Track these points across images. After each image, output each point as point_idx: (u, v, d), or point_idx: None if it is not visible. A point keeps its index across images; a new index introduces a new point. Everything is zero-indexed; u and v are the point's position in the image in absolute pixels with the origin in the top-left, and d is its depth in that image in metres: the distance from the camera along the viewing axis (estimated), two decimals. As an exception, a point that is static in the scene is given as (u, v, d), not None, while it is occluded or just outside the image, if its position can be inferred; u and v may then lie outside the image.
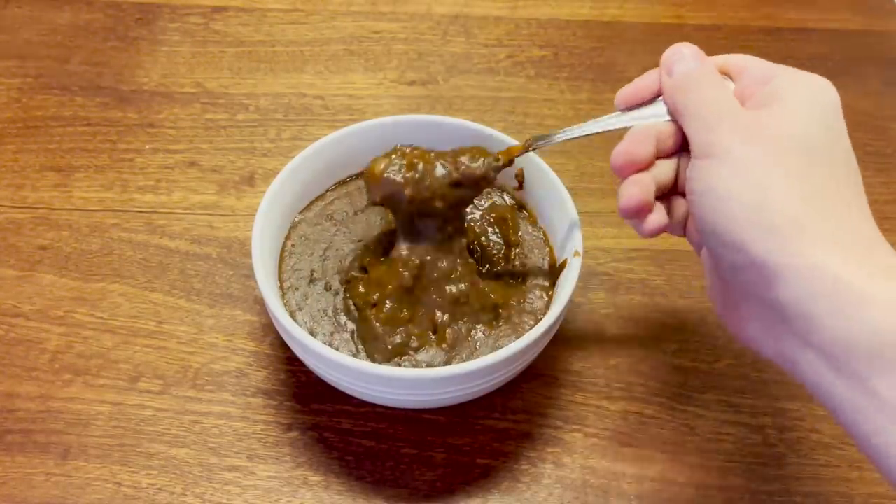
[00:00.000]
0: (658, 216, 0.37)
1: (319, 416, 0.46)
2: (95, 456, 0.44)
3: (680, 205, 0.38)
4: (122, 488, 0.43)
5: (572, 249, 0.45)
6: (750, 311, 0.34)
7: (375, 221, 0.50)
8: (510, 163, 0.44)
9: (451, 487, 0.44)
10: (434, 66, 0.66)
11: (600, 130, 0.40)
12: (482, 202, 0.51)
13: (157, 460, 0.44)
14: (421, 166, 0.43)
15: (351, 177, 0.52)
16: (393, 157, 0.44)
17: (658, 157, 0.38)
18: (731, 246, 0.32)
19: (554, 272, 0.48)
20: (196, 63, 0.65)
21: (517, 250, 0.49)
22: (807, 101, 0.33)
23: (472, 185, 0.44)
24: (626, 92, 0.39)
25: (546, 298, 0.47)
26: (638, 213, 0.37)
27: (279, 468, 0.44)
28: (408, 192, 0.43)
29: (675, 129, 0.37)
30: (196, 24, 0.68)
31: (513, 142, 0.49)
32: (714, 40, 0.69)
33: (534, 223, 0.50)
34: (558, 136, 0.42)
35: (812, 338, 0.30)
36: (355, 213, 0.51)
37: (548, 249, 0.49)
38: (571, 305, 0.49)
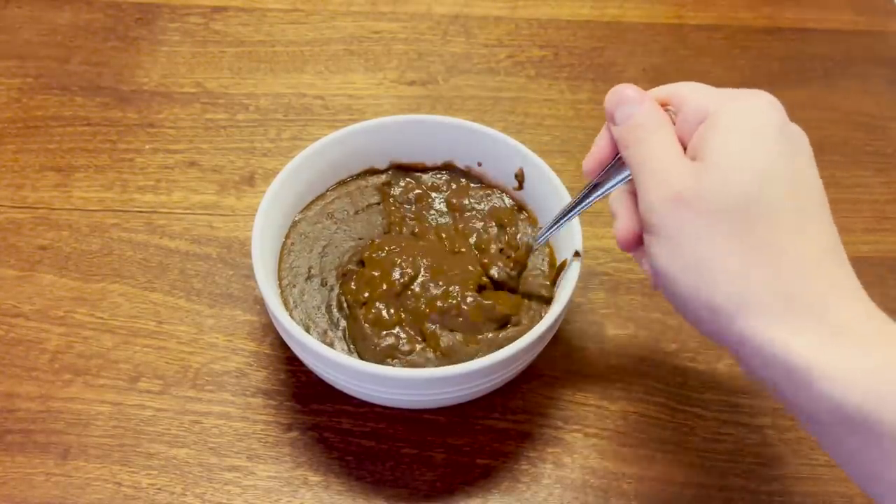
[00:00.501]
0: None
1: (319, 416, 0.46)
2: (95, 456, 0.44)
3: None
4: (122, 488, 0.43)
5: (572, 249, 0.45)
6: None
7: (376, 221, 0.50)
8: (525, 266, 0.47)
9: (451, 487, 0.44)
10: (434, 66, 0.66)
11: (584, 210, 0.41)
12: (482, 205, 0.51)
13: (157, 460, 0.44)
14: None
15: (351, 177, 0.52)
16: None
17: None
18: (692, 322, 0.33)
19: (554, 272, 0.48)
20: (196, 63, 0.65)
21: (517, 252, 0.49)
22: (738, 144, 0.31)
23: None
24: (590, 161, 0.38)
25: (546, 298, 0.47)
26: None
27: (279, 468, 0.44)
28: None
29: None
30: (196, 24, 0.68)
31: (513, 142, 0.49)
32: (714, 40, 0.69)
33: (534, 223, 0.50)
34: (550, 230, 0.44)
35: (784, 401, 0.31)
36: (356, 213, 0.51)
37: (548, 249, 0.49)
38: (571, 305, 0.49)
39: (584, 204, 0.41)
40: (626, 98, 0.35)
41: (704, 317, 0.31)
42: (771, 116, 0.31)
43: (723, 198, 0.30)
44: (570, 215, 0.43)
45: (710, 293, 0.30)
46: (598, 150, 0.38)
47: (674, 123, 0.34)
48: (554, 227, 0.44)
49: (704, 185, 0.31)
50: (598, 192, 0.39)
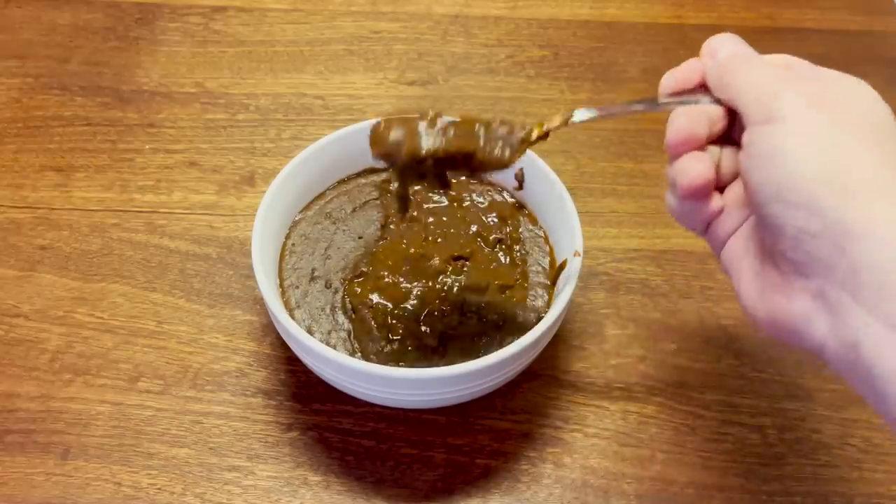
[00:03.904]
0: (718, 200, 0.35)
1: (319, 416, 0.46)
2: (95, 456, 0.44)
3: (716, 201, 0.36)
4: (122, 488, 0.43)
5: (572, 249, 0.45)
6: (804, 285, 0.32)
7: (373, 217, 0.50)
8: (546, 137, 0.40)
9: (451, 487, 0.44)
10: (434, 66, 0.66)
11: (645, 110, 0.38)
12: (482, 199, 0.51)
13: (157, 460, 0.44)
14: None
15: (350, 176, 0.52)
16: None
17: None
18: (805, 207, 0.30)
19: (554, 272, 0.48)
20: (196, 63, 0.65)
21: (518, 247, 0.49)
22: (858, 89, 0.33)
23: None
24: (674, 76, 0.37)
25: (546, 298, 0.47)
26: (703, 193, 0.35)
27: (279, 468, 0.44)
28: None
29: (721, 115, 0.36)
30: (196, 24, 0.68)
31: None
32: (714, 40, 0.69)
33: (534, 222, 0.50)
34: (603, 111, 0.39)
35: (884, 307, 0.29)
36: (353, 211, 0.51)
37: (548, 249, 0.49)
38: (571, 305, 0.49)
39: (642, 107, 0.38)
40: (730, 40, 0.36)
41: (830, 199, 0.30)
42: (872, 88, 0.34)
43: (857, 110, 0.32)
44: (627, 111, 0.39)
45: (846, 176, 0.30)
46: (684, 72, 0.37)
47: None
48: (599, 115, 0.39)
49: (838, 94, 0.32)
50: (666, 104, 0.37)
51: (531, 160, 0.48)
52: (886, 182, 0.30)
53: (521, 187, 0.50)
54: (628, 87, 0.65)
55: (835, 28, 0.71)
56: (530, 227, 0.50)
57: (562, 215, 0.47)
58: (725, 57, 0.36)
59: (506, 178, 0.51)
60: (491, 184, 0.52)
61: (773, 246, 0.33)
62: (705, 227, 0.37)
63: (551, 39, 0.69)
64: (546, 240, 0.49)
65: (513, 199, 0.51)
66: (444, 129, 0.40)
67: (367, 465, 0.44)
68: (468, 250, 0.48)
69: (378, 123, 0.40)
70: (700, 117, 0.35)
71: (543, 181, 0.48)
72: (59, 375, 0.47)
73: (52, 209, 0.55)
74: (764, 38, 0.70)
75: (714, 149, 0.36)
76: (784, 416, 0.47)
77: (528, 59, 0.67)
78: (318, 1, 0.71)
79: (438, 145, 0.39)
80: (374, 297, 0.46)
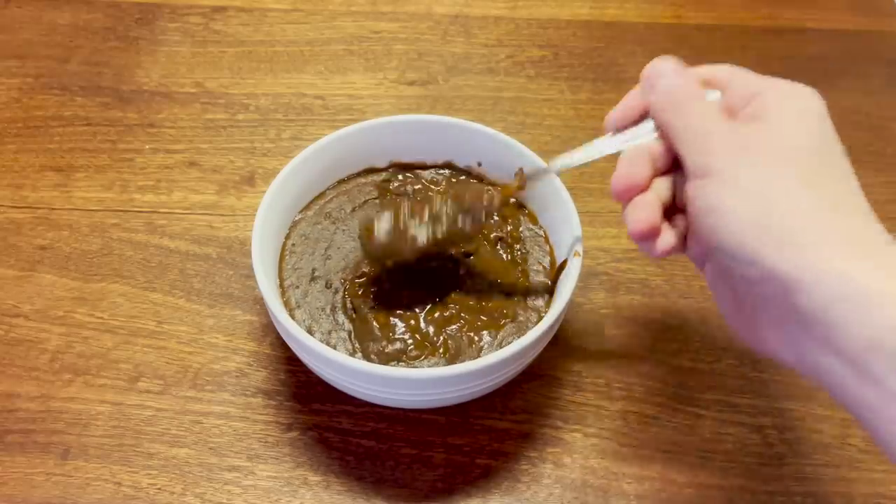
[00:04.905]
0: (668, 237, 0.37)
1: (319, 416, 0.46)
2: (95, 456, 0.44)
3: (680, 221, 0.38)
4: (122, 488, 0.43)
5: (572, 249, 0.45)
6: (767, 320, 0.34)
7: (373, 216, 0.50)
8: (507, 202, 0.46)
9: (451, 487, 0.44)
10: (434, 66, 0.67)
11: (595, 158, 0.40)
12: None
13: (157, 460, 0.44)
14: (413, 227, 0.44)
15: (350, 176, 0.52)
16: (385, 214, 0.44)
17: (655, 176, 0.37)
18: (743, 260, 0.32)
19: (554, 271, 0.48)
20: (196, 63, 0.65)
21: (518, 246, 0.49)
22: (794, 113, 0.33)
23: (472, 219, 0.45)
24: (615, 114, 0.39)
25: (546, 298, 0.47)
26: (649, 237, 0.36)
27: (279, 468, 0.44)
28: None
29: (667, 147, 0.37)
30: (196, 24, 0.68)
31: (513, 142, 0.49)
32: (714, 40, 0.69)
33: (534, 222, 0.50)
34: (553, 165, 0.42)
35: (833, 343, 0.30)
36: (353, 210, 0.51)
37: (548, 248, 0.49)
38: (571, 305, 0.49)
39: (592, 154, 0.40)
40: (666, 72, 0.36)
41: (766, 250, 0.31)
42: (819, 103, 0.34)
43: (785, 147, 0.32)
44: (578, 162, 0.41)
45: (778, 225, 0.31)
46: (625, 108, 0.39)
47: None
48: (557, 168, 0.42)
49: (765, 135, 0.33)
50: (614, 144, 0.39)
51: (531, 160, 0.48)
52: (816, 223, 0.31)
53: (521, 188, 0.50)
54: (628, 87, 0.64)
55: (835, 28, 0.71)
56: (530, 226, 0.50)
57: (562, 215, 0.47)
58: (660, 94, 0.37)
59: (506, 178, 0.51)
60: (493, 183, 0.52)
61: (732, 284, 0.35)
62: (682, 247, 0.38)
63: (551, 39, 0.69)
64: (546, 239, 0.49)
65: (513, 199, 0.51)
66: (432, 223, 0.44)
67: (367, 465, 0.44)
68: (469, 248, 0.48)
69: (365, 230, 0.44)
70: (640, 160, 0.37)
71: (543, 181, 0.48)
72: (59, 375, 0.47)
73: (52, 209, 0.55)
74: (764, 38, 0.70)
75: (660, 180, 0.37)
76: (784, 416, 0.47)
77: (528, 59, 0.67)
78: (318, 1, 0.71)
79: (430, 243, 0.44)
80: (377, 297, 0.45)
